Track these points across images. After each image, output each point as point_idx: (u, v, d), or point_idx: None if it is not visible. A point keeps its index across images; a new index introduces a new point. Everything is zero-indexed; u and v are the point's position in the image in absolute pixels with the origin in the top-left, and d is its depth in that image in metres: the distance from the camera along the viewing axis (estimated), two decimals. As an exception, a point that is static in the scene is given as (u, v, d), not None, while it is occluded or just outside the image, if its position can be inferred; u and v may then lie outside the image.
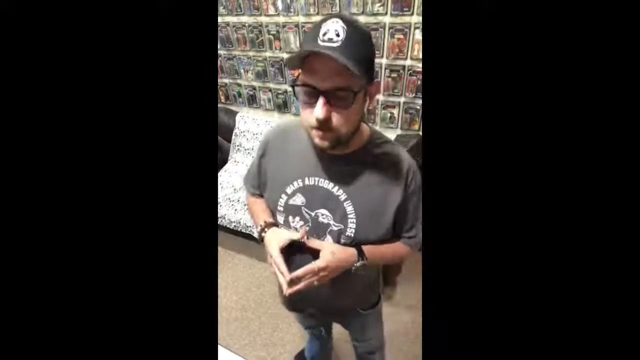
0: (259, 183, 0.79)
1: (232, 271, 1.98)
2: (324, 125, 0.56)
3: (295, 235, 0.66)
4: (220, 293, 1.84)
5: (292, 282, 0.63)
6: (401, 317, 1.63)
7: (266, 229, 0.72)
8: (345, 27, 0.51)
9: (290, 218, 0.71)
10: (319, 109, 0.53)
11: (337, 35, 0.51)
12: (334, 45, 0.51)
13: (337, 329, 1.13)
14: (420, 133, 1.84)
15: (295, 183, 0.70)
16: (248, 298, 1.82)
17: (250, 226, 1.93)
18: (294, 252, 0.70)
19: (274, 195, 0.72)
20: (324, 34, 0.51)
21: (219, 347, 0.81)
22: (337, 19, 0.52)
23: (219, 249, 2.09)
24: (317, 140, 0.59)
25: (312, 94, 0.54)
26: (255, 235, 1.88)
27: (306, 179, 0.69)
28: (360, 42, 0.53)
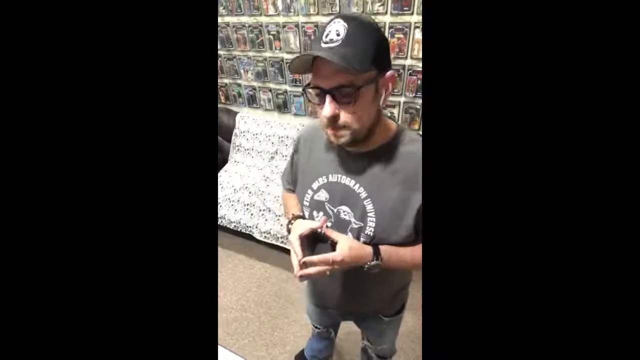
0: (292, 179, 0.83)
1: (232, 271, 1.98)
2: (333, 122, 0.58)
3: (316, 224, 0.68)
4: (220, 293, 1.84)
5: (304, 265, 0.64)
6: (402, 317, 1.63)
7: (293, 221, 0.74)
8: (346, 25, 0.53)
9: (315, 213, 0.73)
10: (326, 108, 0.56)
11: (338, 35, 0.53)
12: (333, 45, 0.53)
13: (341, 327, 1.13)
14: (420, 133, 1.84)
15: (320, 179, 0.72)
16: (248, 298, 1.81)
17: (250, 226, 1.93)
18: (315, 242, 0.72)
19: (302, 190, 0.75)
20: (326, 36, 0.54)
21: (219, 347, 0.81)
22: (339, 19, 0.55)
23: (219, 249, 2.09)
24: (332, 139, 0.62)
25: (320, 95, 0.58)
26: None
27: (330, 175, 0.71)
28: (362, 38, 0.54)
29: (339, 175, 0.70)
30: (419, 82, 1.72)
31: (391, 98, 1.82)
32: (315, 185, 0.73)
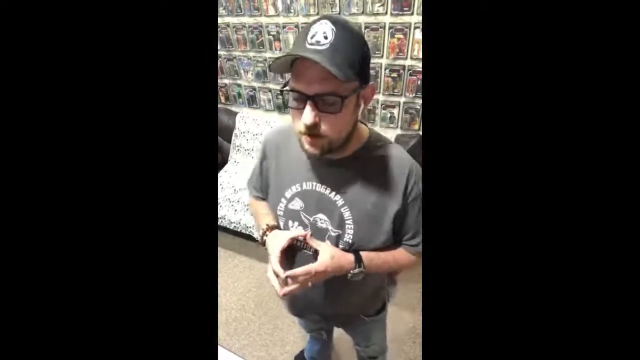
0: (261, 186, 0.79)
1: (232, 271, 1.98)
2: (312, 130, 0.55)
3: (294, 233, 0.66)
4: (220, 293, 1.83)
5: (286, 281, 0.63)
6: (402, 317, 1.63)
7: (268, 232, 0.71)
8: (334, 28, 0.50)
9: (290, 222, 0.71)
10: (307, 115, 0.52)
11: (325, 37, 0.50)
12: (321, 48, 0.49)
13: (339, 329, 1.14)
14: (420, 133, 1.84)
15: (293, 187, 0.69)
16: (248, 298, 1.81)
17: (250, 227, 1.93)
18: (295, 254, 0.70)
19: (274, 199, 0.72)
20: (312, 37, 0.50)
21: (219, 347, 0.81)
22: (326, 21, 0.51)
23: (219, 249, 2.09)
24: (306, 147, 0.58)
25: (301, 99, 0.53)
26: (257, 238, 1.90)
27: (304, 183, 0.68)
28: (351, 45, 0.51)
29: (313, 183, 0.67)
30: (419, 82, 1.72)
31: (391, 98, 1.82)
32: (288, 194, 0.69)
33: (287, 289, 0.63)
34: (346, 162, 0.65)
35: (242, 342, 1.61)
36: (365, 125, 0.68)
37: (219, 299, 1.80)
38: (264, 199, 0.80)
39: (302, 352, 1.44)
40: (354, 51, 0.51)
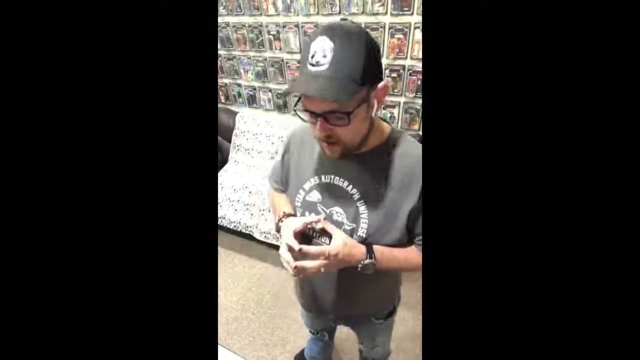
0: (282, 179, 0.82)
1: (232, 271, 1.98)
2: (328, 139, 0.59)
3: (310, 219, 0.67)
4: (220, 293, 1.84)
5: (299, 256, 0.63)
6: (402, 316, 1.63)
7: (283, 219, 0.73)
8: (332, 45, 0.51)
9: (307, 214, 0.73)
10: (320, 130, 0.57)
11: (324, 56, 0.51)
12: (321, 69, 0.52)
13: (340, 327, 1.14)
14: (420, 133, 1.84)
15: (312, 180, 0.71)
16: (248, 298, 1.82)
17: (250, 226, 1.93)
18: (309, 241, 0.71)
19: (294, 191, 0.75)
20: (312, 57, 0.53)
21: (219, 347, 0.81)
22: (324, 37, 0.52)
23: (219, 249, 2.09)
24: (326, 152, 0.62)
25: (312, 115, 0.58)
26: (257, 237, 1.90)
27: (322, 176, 0.70)
28: (350, 56, 0.52)
29: (332, 176, 0.69)
30: (419, 82, 1.72)
31: (391, 98, 1.82)
32: (307, 186, 0.72)
33: (300, 263, 0.63)
34: (365, 157, 0.66)
35: (242, 342, 1.61)
36: (388, 123, 0.70)
37: (219, 299, 1.80)
38: (283, 192, 0.82)
39: (302, 351, 1.44)
40: (357, 61, 0.52)
